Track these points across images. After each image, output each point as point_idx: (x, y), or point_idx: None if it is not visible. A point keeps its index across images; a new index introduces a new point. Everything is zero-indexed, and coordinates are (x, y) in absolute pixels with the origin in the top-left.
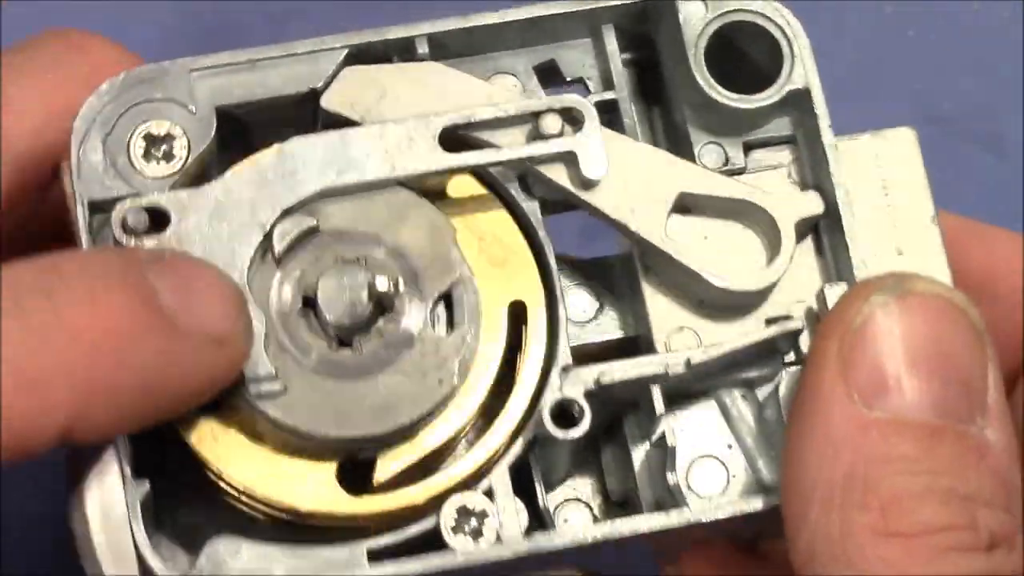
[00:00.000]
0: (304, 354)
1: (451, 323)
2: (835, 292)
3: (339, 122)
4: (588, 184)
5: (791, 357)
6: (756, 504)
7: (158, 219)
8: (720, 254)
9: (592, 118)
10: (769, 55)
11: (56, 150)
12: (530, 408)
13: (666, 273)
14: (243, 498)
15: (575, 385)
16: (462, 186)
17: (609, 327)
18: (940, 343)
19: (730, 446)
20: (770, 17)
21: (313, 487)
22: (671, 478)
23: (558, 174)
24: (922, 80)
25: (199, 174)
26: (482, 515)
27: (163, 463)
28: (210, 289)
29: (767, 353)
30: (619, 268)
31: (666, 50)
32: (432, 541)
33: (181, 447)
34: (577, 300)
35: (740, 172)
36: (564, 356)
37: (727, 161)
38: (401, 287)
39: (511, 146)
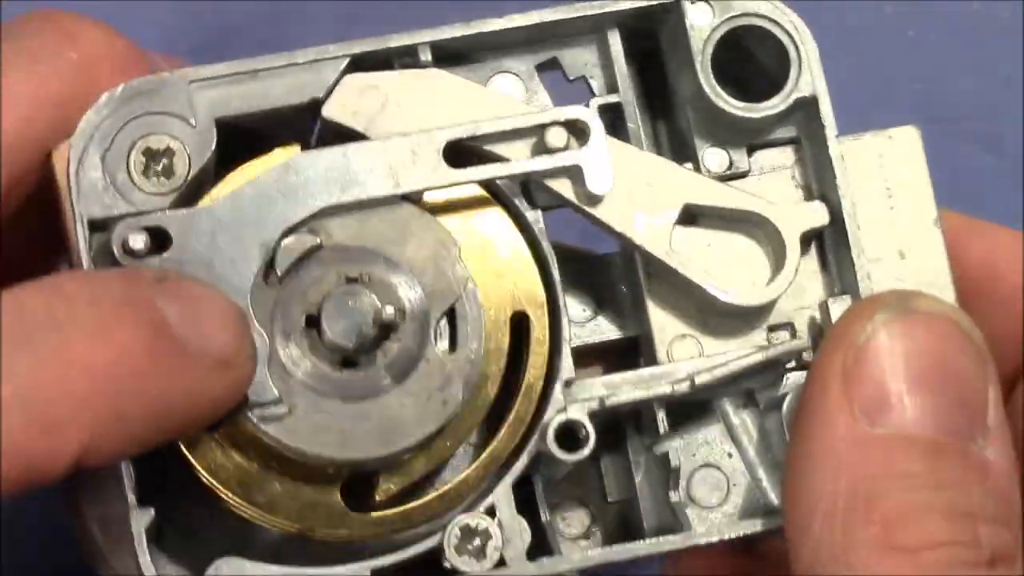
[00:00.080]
0: (308, 375)
1: (453, 338)
2: (839, 306)
3: (340, 130)
4: (593, 198)
5: (792, 363)
6: (758, 526)
7: (159, 238)
8: (724, 265)
9: (598, 131)
10: (776, 58)
11: (46, 139)
12: (532, 422)
13: (669, 281)
14: (247, 512)
15: (579, 403)
16: (466, 192)
17: (609, 327)
18: (943, 362)
19: (730, 454)
20: (778, 22)
21: (317, 507)
22: (674, 496)
23: (563, 187)
24: (922, 80)
25: (199, 184)
26: (485, 534)
27: (163, 464)
28: (215, 312)
29: (770, 366)
30: (620, 267)
31: (670, 52)
32: (435, 560)
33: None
34: (577, 298)
35: (744, 175)
36: (567, 370)
37: (731, 165)
38: (407, 314)
39: (516, 158)
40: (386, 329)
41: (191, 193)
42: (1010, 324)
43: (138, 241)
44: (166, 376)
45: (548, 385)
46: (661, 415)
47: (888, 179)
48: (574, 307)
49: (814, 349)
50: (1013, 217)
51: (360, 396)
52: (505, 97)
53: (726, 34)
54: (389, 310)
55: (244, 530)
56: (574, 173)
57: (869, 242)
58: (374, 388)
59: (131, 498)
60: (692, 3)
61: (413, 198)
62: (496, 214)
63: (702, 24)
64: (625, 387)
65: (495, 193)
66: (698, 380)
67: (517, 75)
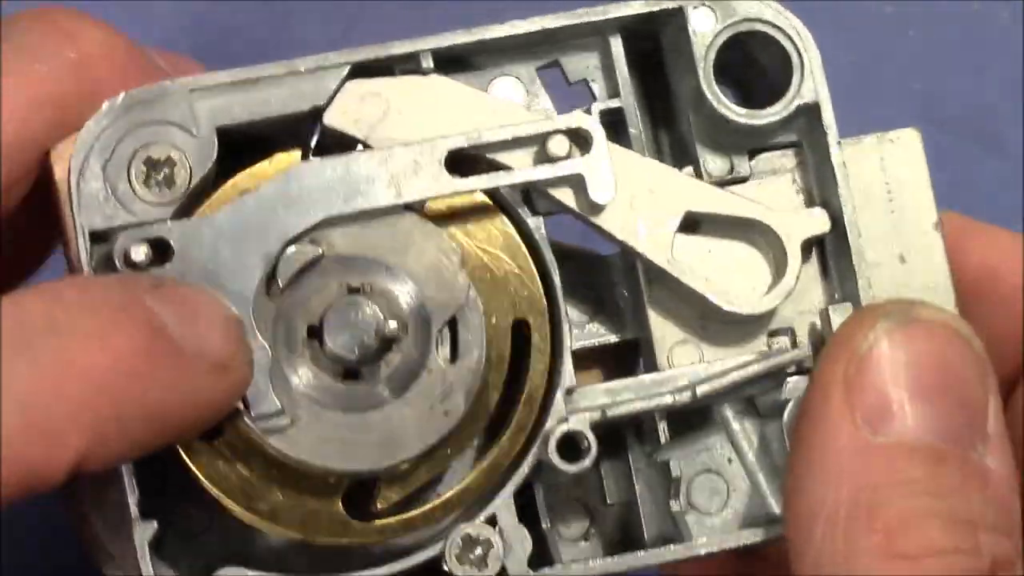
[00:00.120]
0: (310, 386)
1: (455, 346)
2: (839, 314)
3: (341, 137)
4: (595, 207)
5: (792, 367)
6: (759, 535)
7: (160, 249)
8: (725, 272)
9: (600, 139)
10: (779, 63)
11: (44, 140)
12: (533, 429)
13: (670, 287)
14: (249, 520)
15: (580, 413)
16: (467, 198)
17: (608, 329)
18: (944, 370)
19: (730, 460)
20: (781, 27)
21: (317, 515)
22: (675, 505)
23: (565, 195)
24: (922, 80)
25: (200, 191)
26: (487, 544)
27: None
28: (212, 315)
29: (771, 375)
30: (621, 269)
31: (672, 55)
32: (436, 568)
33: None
34: (577, 299)
35: (744, 180)
36: (568, 378)
37: (732, 169)
38: (408, 324)
39: (518, 165)
40: (388, 341)
41: (192, 201)
42: (1010, 326)
43: (139, 253)
44: (164, 380)
45: (549, 393)
46: (662, 426)
47: (889, 182)
48: (573, 309)
49: (815, 356)
50: (1013, 217)
51: (362, 407)
52: (507, 103)
53: (728, 38)
54: (392, 325)
55: (245, 534)
56: (576, 182)
57: (869, 246)
58: (376, 399)
59: (134, 511)
60: (695, 8)
61: (415, 206)
62: (497, 221)
63: (705, 30)
64: (626, 394)
65: (496, 199)
66: (700, 391)
67: (518, 78)
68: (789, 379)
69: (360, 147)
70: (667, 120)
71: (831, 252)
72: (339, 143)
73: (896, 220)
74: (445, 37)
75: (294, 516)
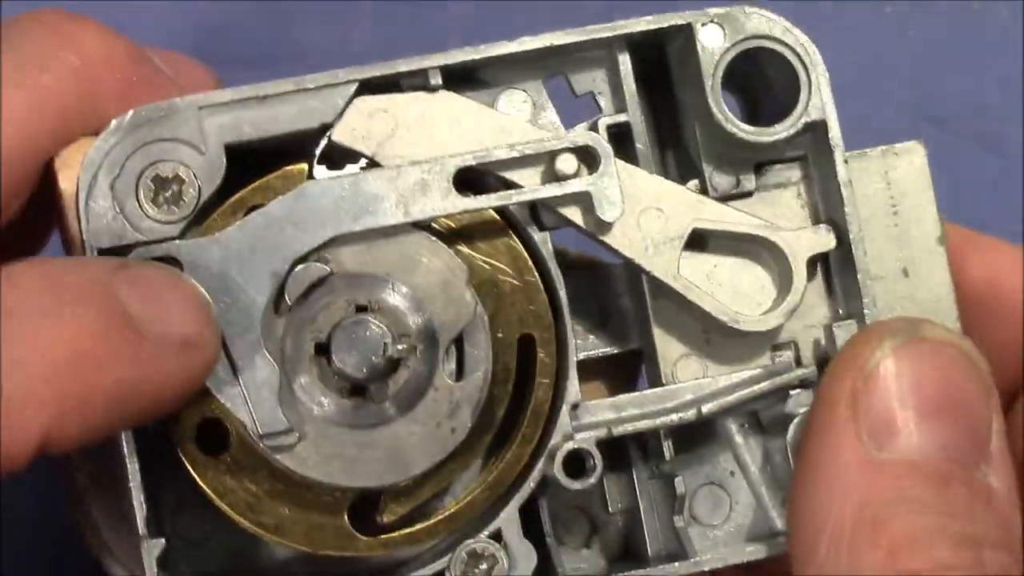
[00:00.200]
0: (317, 403)
1: (461, 362)
2: (844, 331)
3: (350, 148)
4: (602, 225)
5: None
6: (762, 551)
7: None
8: (731, 289)
9: (608, 158)
10: (786, 78)
11: (48, 148)
12: (538, 444)
13: (675, 302)
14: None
15: (586, 431)
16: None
17: (612, 340)
18: (949, 389)
19: (733, 473)
20: (789, 45)
21: (323, 529)
22: (678, 521)
23: (572, 213)
24: (922, 80)
25: (209, 206)
26: (492, 559)
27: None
28: (175, 293)
29: (775, 393)
30: (624, 278)
31: (679, 68)
32: None
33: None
34: (581, 309)
35: (750, 194)
36: (573, 393)
37: (738, 183)
38: (416, 342)
39: (526, 182)
40: (396, 361)
41: (200, 215)
42: (1010, 340)
43: None
44: (125, 361)
45: (554, 407)
46: (667, 444)
47: (893, 196)
48: (577, 319)
49: (819, 372)
50: (1013, 217)
51: (369, 424)
52: (515, 120)
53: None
54: (399, 347)
55: (250, 544)
56: (584, 199)
57: (872, 259)
58: (383, 416)
59: (142, 529)
60: (703, 25)
61: (422, 223)
62: (504, 235)
63: (713, 46)
64: (631, 410)
65: (503, 214)
66: (705, 409)
67: (525, 91)
68: (792, 391)
69: (363, 160)
70: (673, 133)
71: (836, 269)
72: (346, 154)
73: (900, 233)
74: (453, 54)
75: (300, 528)
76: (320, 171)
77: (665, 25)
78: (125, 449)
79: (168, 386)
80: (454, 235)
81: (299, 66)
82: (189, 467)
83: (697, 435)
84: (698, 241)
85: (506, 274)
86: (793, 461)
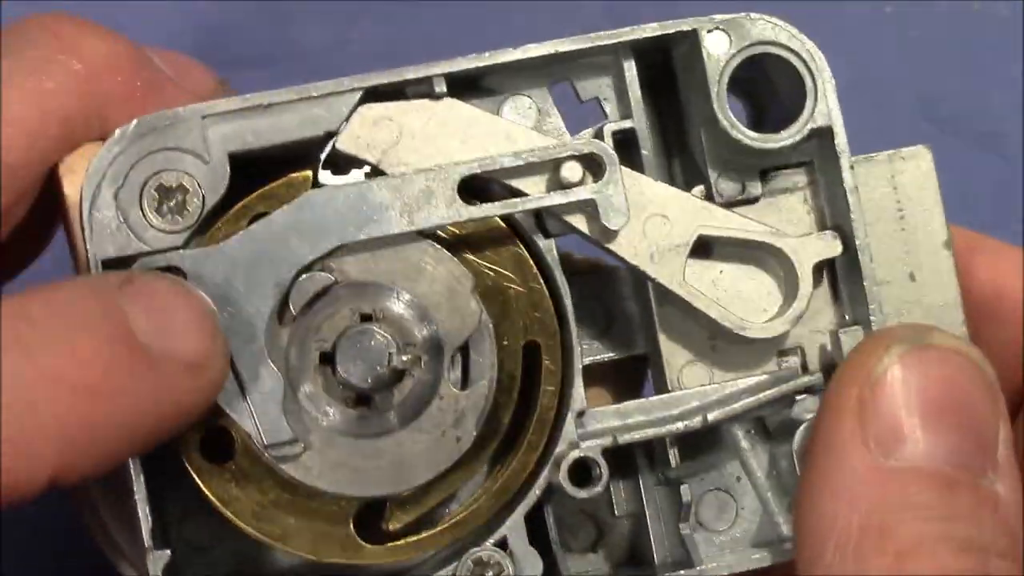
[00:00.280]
0: (322, 412)
1: (466, 370)
2: (850, 337)
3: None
4: (608, 233)
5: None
6: (768, 559)
7: None
8: (737, 295)
9: (613, 165)
10: (792, 84)
11: (51, 155)
12: (544, 451)
13: (680, 308)
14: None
15: (592, 439)
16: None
17: (617, 344)
18: (956, 396)
19: (739, 478)
20: (796, 51)
21: (329, 538)
22: (684, 528)
23: (577, 220)
24: (922, 80)
25: (212, 215)
26: (498, 567)
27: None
28: (182, 310)
29: (781, 400)
30: (630, 281)
31: (684, 73)
32: None
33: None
34: (587, 313)
35: (756, 200)
36: (579, 400)
37: (744, 189)
38: (421, 352)
39: (531, 190)
40: (400, 372)
41: (204, 223)
42: (1015, 345)
43: None
44: (135, 389)
45: (560, 414)
46: (673, 452)
47: (900, 200)
48: (582, 325)
49: (826, 378)
50: (1013, 217)
51: (374, 433)
52: (520, 128)
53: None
54: (404, 358)
55: (255, 550)
56: (589, 207)
57: (879, 264)
58: (388, 425)
59: (148, 541)
60: (709, 32)
61: (427, 231)
62: (509, 242)
63: (718, 53)
64: (637, 416)
65: (508, 221)
66: (711, 417)
67: (530, 97)
68: (798, 397)
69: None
70: (679, 138)
71: (842, 275)
72: (351, 159)
73: (907, 238)
74: (458, 62)
75: (305, 536)
76: (325, 176)
77: (671, 32)
78: (132, 467)
79: (178, 409)
80: (459, 242)
81: (299, 66)
82: (194, 475)
83: (703, 441)
84: (704, 248)
85: (511, 281)
86: (799, 467)
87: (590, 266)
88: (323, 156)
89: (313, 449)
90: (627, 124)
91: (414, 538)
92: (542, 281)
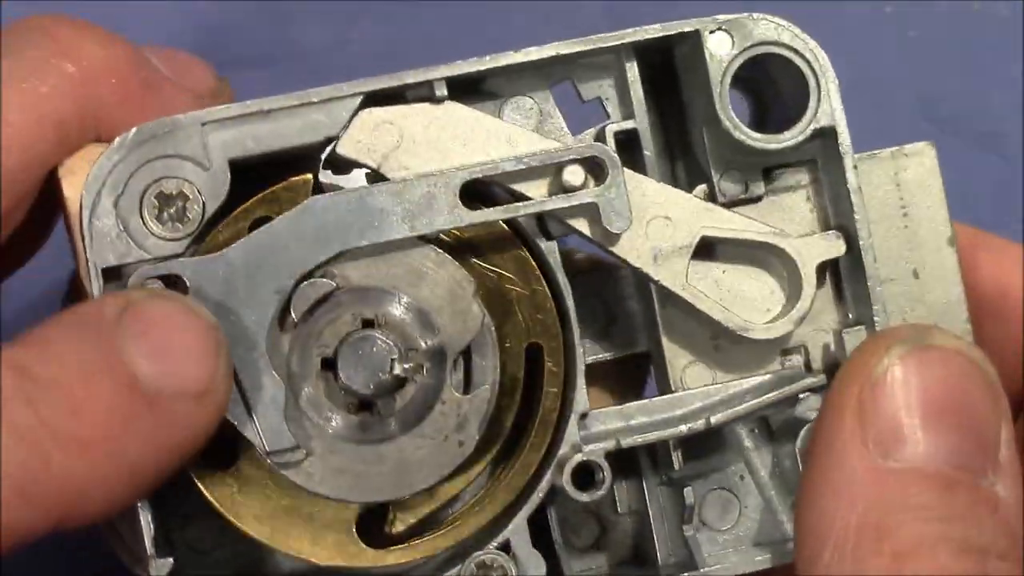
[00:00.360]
0: (324, 418)
1: (468, 373)
2: (853, 337)
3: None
4: (610, 236)
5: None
6: (771, 560)
7: (174, 285)
8: (740, 296)
9: (615, 168)
10: (795, 83)
11: (49, 159)
12: (547, 453)
13: (683, 309)
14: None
15: (595, 443)
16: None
17: (620, 343)
18: (957, 397)
19: (742, 477)
20: (798, 51)
21: (331, 542)
22: (688, 530)
23: (580, 224)
24: (922, 80)
25: (213, 221)
26: (501, 571)
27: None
28: (185, 339)
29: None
30: (632, 279)
31: (686, 73)
32: None
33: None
34: (589, 312)
35: (759, 199)
36: (581, 403)
37: (746, 189)
38: (423, 358)
39: (533, 193)
40: (403, 378)
41: (205, 229)
42: (1018, 341)
43: None
44: (140, 434)
45: (562, 416)
46: (676, 454)
47: (904, 197)
48: (585, 324)
49: (829, 378)
50: (1013, 217)
51: (376, 439)
52: (521, 131)
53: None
54: (406, 366)
55: (257, 553)
56: (591, 210)
57: (882, 261)
58: (390, 431)
59: (150, 549)
60: (711, 33)
61: (429, 236)
62: (511, 245)
63: (721, 54)
64: (640, 418)
65: (510, 224)
66: (714, 420)
67: (532, 98)
68: (802, 395)
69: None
70: (681, 137)
71: (846, 275)
72: (352, 161)
73: (910, 235)
74: (459, 65)
75: (307, 540)
76: (326, 176)
77: (673, 32)
78: None
79: (185, 442)
80: (461, 245)
81: (299, 66)
82: (196, 479)
83: (707, 440)
84: (706, 249)
85: (513, 283)
86: (802, 466)
87: (591, 264)
88: (323, 156)
89: (315, 455)
90: (629, 124)
91: (416, 542)
92: (544, 283)
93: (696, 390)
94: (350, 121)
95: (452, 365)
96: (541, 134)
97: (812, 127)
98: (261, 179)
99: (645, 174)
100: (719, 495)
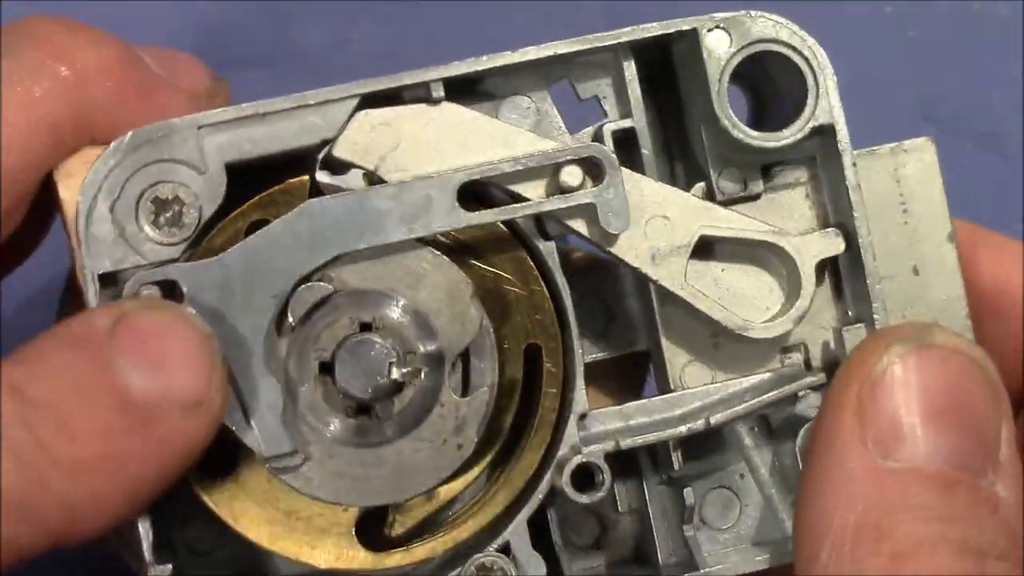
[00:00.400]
0: (322, 422)
1: (467, 375)
2: (853, 335)
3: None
4: (609, 237)
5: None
6: (771, 560)
7: (170, 290)
8: (739, 295)
9: (613, 168)
10: (793, 81)
11: (45, 163)
12: (546, 454)
13: (682, 307)
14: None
15: (594, 443)
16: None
17: (619, 341)
18: (957, 396)
19: (742, 475)
20: (797, 48)
21: (331, 545)
22: (688, 530)
23: (578, 224)
24: (922, 80)
25: (210, 225)
26: (501, 573)
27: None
28: (179, 351)
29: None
30: (630, 278)
31: (684, 70)
32: None
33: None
34: (588, 310)
35: (757, 197)
36: (581, 403)
37: (745, 187)
38: (421, 363)
39: (531, 194)
40: (401, 382)
41: (202, 233)
42: (1018, 338)
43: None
44: (137, 448)
45: (562, 416)
46: (676, 455)
47: (903, 193)
48: (583, 323)
49: (828, 377)
50: (1013, 217)
51: (374, 442)
52: (519, 131)
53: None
54: (404, 370)
55: (256, 556)
56: (589, 211)
57: (883, 258)
58: (388, 434)
59: (148, 556)
60: (709, 31)
61: (426, 237)
62: (509, 245)
63: (719, 52)
64: (639, 418)
65: (508, 224)
66: (713, 420)
67: (529, 97)
68: (801, 393)
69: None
70: (679, 135)
71: (845, 272)
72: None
73: (910, 231)
74: (455, 66)
75: (306, 543)
76: (323, 176)
77: (670, 31)
78: None
79: (182, 453)
80: (459, 246)
81: (299, 66)
82: (195, 484)
83: (707, 439)
84: (705, 248)
85: (512, 284)
86: (802, 465)
87: (590, 262)
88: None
89: (313, 459)
90: (627, 123)
91: (416, 544)
92: (542, 283)
93: (695, 389)
94: (347, 123)
95: (450, 367)
96: (539, 133)
97: (811, 124)
98: (258, 182)
99: (643, 173)
100: (719, 494)
